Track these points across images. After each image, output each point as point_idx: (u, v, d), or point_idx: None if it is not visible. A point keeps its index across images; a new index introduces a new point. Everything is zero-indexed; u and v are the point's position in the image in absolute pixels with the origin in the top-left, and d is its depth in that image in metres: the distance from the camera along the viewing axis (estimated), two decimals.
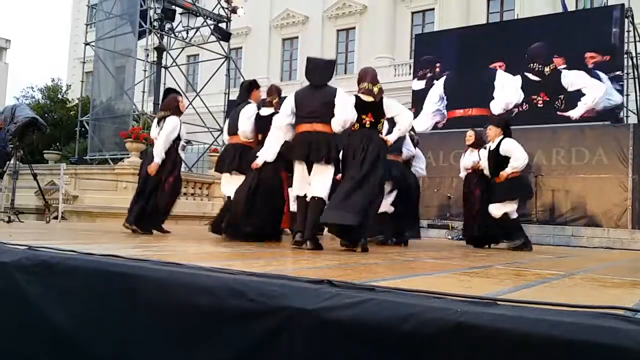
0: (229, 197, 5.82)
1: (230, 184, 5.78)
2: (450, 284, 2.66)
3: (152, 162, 5.84)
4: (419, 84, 15.43)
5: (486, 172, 6.80)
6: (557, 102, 13.31)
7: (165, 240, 4.94)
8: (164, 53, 17.43)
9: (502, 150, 6.54)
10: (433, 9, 25.06)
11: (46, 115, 22.92)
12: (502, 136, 6.64)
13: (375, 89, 4.93)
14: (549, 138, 12.31)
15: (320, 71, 5.00)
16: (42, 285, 2.65)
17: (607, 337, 1.48)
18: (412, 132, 6.59)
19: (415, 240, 6.81)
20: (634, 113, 14.09)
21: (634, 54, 13.76)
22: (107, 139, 16.41)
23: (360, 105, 4.86)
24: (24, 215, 9.09)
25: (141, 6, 15.99)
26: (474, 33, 15.99)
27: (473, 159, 7.07)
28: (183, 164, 8.77)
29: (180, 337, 2.22)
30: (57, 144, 23.43)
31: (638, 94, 13.88)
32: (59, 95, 26.02)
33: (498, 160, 6.56)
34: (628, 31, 13.19)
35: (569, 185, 11.83)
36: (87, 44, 17.63)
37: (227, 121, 6.18)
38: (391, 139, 5.08)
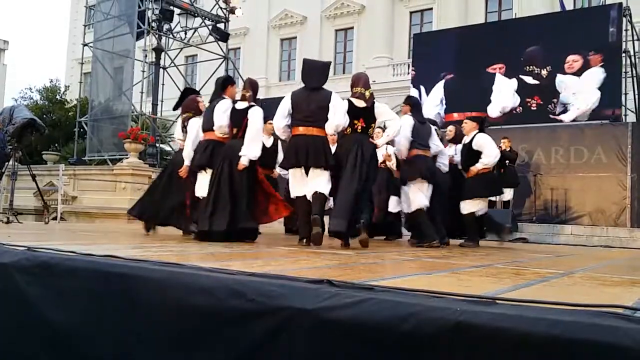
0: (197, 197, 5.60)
1: (200, 181, 5.57)
2: (450, 283, 2.66)
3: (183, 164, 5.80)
4: (414, 91, 15.34)
5: (460, 166, 6.75)
6: (550, 106, 13.42)
7: (164, 241, 4.94)
8: (162, 54, 17.44)
9: (475, 145, 6.49)
10: (431, 9, 25.08)
11: (44, 116, 22.90)
12: (477, 131, 6.60)
13: (367, 94, 5.22)
14: (548, 137, 12.33)
15: (316, 74, 5.21)
16: (42, 286, 2.65)
17: (607, 336, 1.48)
18: (435, 127, 6.69)
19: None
20: (632, 112, 14.10)
21: (632, 53, 13.78)
22: (106, 139, 16.41)
23: (352, 111, 5.12)
24: (22, 216, 9.09)
25: (139, 7, 16.01)
26: (472, 33, 15.98)
27: (450, 153, 7.11)
28: None
29: (180, 338, 2.22)
30: (56, 145, 23.41)
31: (636, 92, 13.90)
32: (57, 96, 25.99)
33: (470, 154, 6.59)
34: (626, 30, 13.20)
35: (568, 184, 11.84)
36: (85, 44, 17.65)
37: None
38: (380, 142, 5.49)
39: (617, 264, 5.12)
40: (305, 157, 4.98)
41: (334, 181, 5.07)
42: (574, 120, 12.97)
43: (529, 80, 13.71)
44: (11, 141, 8.01)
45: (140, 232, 6.24)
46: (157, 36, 16.96)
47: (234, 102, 5.50)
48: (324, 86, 5.21)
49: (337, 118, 4.96)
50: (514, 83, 13.91)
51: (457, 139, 7.10)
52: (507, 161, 10.86)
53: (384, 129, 5.70)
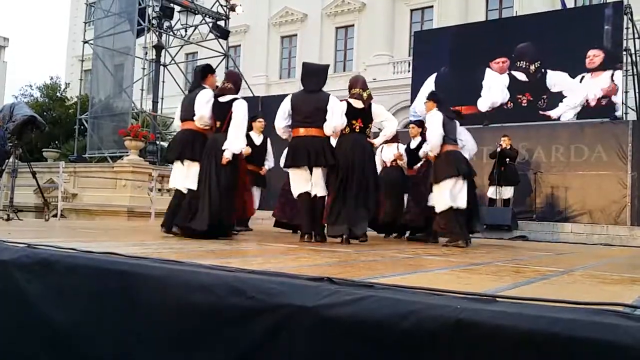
0: (177, 190, 5.47)
1: (181, 174, 5.42)
2: (450, 280, 2.66)
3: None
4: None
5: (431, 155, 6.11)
6: (540, 102, 13.63)
7: (164, 238, 4.94)
8: (163, 51, 17.41)
9: (427, 122, 5.96)
10: (432, 6, 25.03)
11: (45, 113, 22.90)
12: (435, 109, 5.94)
13: (365, 95, 5.51)
14: (549, 135, 12.31)
15: (315, 78, 5.42)
16: (42, 283, 2.64)
17: (607, 334, 1.48)
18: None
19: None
20: (632, 110, 14.08)
21: (632, 51, 13.75)
22: (106, 137, 16.39)
23: (350, 111, 5.39)
24: (23, 213, 9.10)
25: (139, 4, 15.97)
26: (470, 31, 15.99)
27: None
28: None
29: (180, 337, 2.22)
30: (56, 142, 23.42)
31: (637, 90, 13.88)
32: (58, 94, 26.01)
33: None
34: (627, 28, 13.18)
35: (568, 182, 11.82)
36: (85, 42, 17.61)
37: (178, 107, 5.71)
38: (377, 142, 5.82)
39: (617, 262, 5.12)
40: (306, 158, 5.17)
41: (333, 178, 5.26)
42: (558, 119, 13.19)
43: (520, 76, 13.98)
44: (11, 138, 8.02)
45: (141, 229, 6.24)
46: (157, 33, 16.94)
47: (217, 95, 5.32)
48: (324, 87, 5.42)
49: (335, 119, 5.18)
50: (505, 79, 14.13)
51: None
52: (507, 159, 10.86)
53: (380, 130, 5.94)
